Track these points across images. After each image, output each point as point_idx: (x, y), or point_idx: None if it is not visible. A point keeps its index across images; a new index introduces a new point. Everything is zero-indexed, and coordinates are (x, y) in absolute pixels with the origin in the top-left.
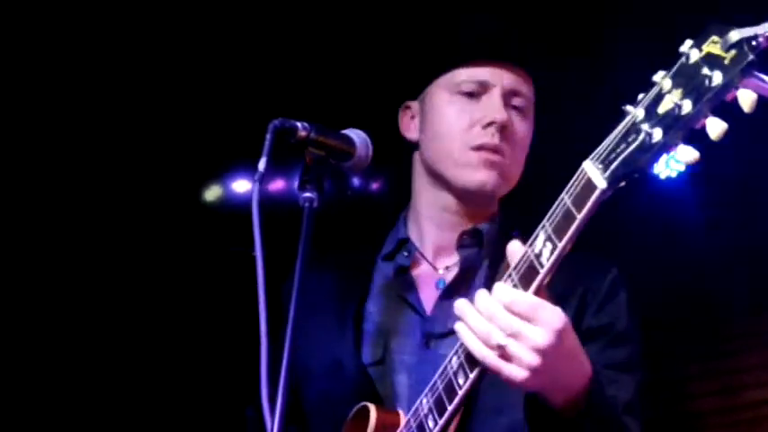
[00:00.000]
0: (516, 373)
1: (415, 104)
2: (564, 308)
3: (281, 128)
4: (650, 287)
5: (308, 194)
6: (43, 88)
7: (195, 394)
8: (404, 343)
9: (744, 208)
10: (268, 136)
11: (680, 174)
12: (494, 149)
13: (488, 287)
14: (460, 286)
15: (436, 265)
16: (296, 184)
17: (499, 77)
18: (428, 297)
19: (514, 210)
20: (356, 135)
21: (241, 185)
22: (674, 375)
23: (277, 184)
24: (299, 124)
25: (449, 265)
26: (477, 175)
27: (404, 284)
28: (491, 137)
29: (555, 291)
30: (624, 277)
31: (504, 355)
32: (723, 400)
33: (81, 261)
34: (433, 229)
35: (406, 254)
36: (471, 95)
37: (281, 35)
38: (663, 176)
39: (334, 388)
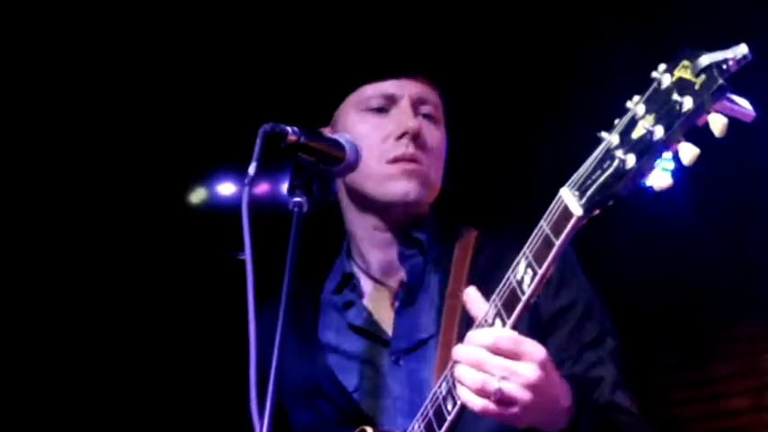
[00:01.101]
0: (514, 412)
1: (326, 130)
2: None
3: (272, 132)
4: (632, 294)
5: (297, 199)
6: (30, 96)
7: (180, 398)
8: (374, 367)
9: (725, 219)
10: (258, 140)
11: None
12: (410, 159)
13: (442, 293)
14: (414, 297)
15: (388, 284)
16: (285, 188)
17: (405, 88)
18: (385, 318)
19: (445, 208)
20: (345, 140)
21: (226, 188)
22: (656, 383)
23: (262, 188)
24: (289, 129)
25: (402, 280)
26: (398, 187)
27: (357, 316)
28: (406, 147)
29: (502, 272)
30: (571, 248)
31: (500, 399)
32: (705, 408)
33: (66, 264)
34: (372, 251)
35: (351, 288)
36: (380, 110)
37: (267, 39)
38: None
39: (321, 412)
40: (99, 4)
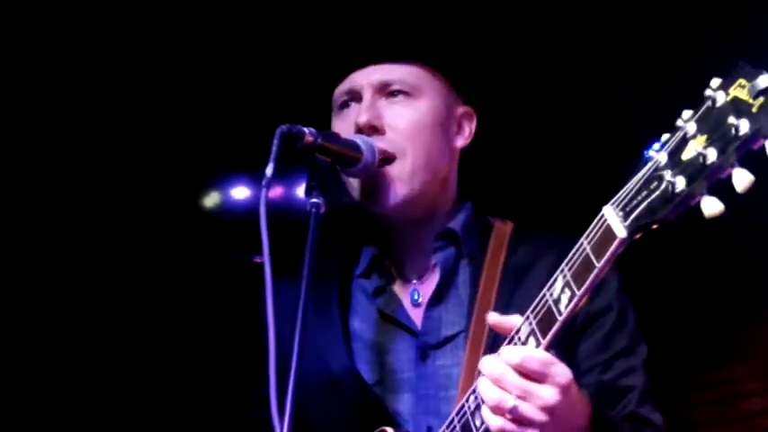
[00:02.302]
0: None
1: None
2: None
3: (289, 133)
4: (645, 296)
5: (314, 200)
6: (40, 93)
7: (193, 401)
8: (399, 360)
9: (740, 219)
10: (275, 141)
11: None
12: None
13: (474, 287)
14: (445, 292)
15: (409, 277)
16: (302, 189)
17: (364, 78)
18: (412, 310)
19: (481, 197)
20: (362, 141)
21: (240, 192)
22: (668, 385)
23: (276, 191)
24: (306, 130)
25: (423, 272)
26: (376, 199)
27: (387, 302)
28: None
29: (542, 278)
30: None
31: (516, 417)
32: (722, 410)
33: (78, 267)
34: (398, 240)
35: (381, 272)
36: (347, 106)
37: (278, 41)
38: None
39: (338, 407)
40: (114, 5)
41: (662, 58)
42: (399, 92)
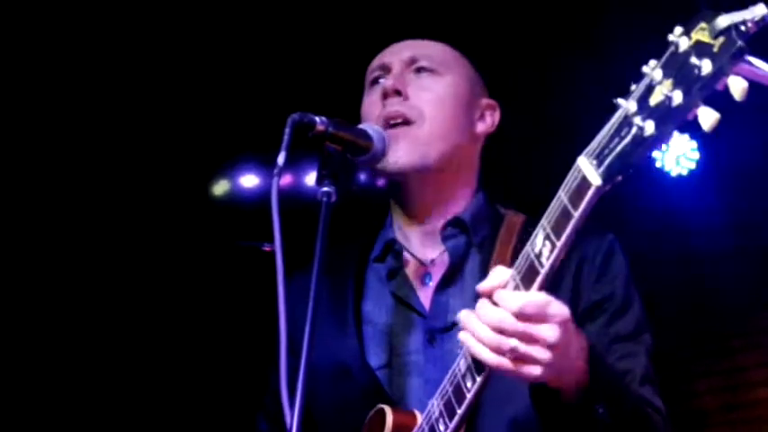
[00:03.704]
0: (532, 371)
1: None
2: (561, 279)
3: (300, 122)
4: (655, 284)
5: (325, 189)
6: (56, 84)
7: (202, 390)
8: (407, 343)
9: (747, 208)
10: (287, 130)
11: (691, 172)
12: (395, 116)
13: (483, 274)
14: (453, 278)
15: (422, 260)
16: (314, 177)
17: (395, 54)
18: (423, 294)
19: (496, 185)
20: (373, 130)
21: (249, 180)
22: (679, 373)
23: (286, 179)
24: (317, 119)
25: (434, 258)
26: (390, 156)
27: (399, 285)
28: (390, 105)
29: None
30: (619, 242)
31: (517, 356)
32: (728, 398)
33: (86, 257)
34: (409, 225)
35: (395, 255)
36: (378, 81)
37: (285, 32)
38: (674, 174)
39: (344, 393)
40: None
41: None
42: (426, 68)
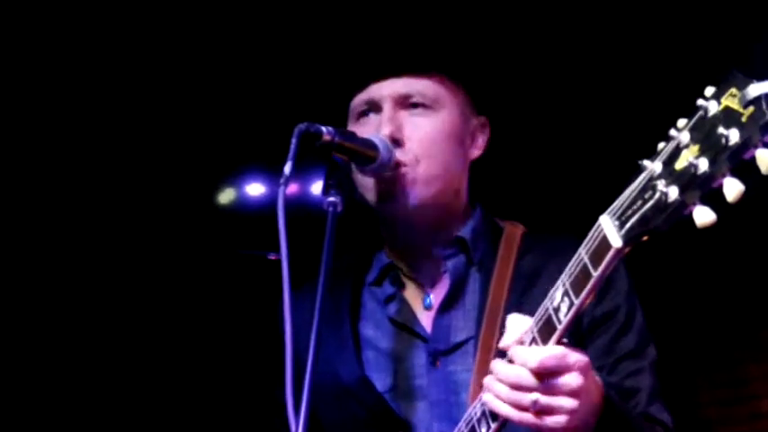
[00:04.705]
0: (559, 420)
1: None
2: None
3: (307, 132)
4: (659, 295)
5: (332, 199)
6: (62, 92)
7: (205, 398)
8: (410, 367)
9: (753, 218)
10: (293, 140)
11: None
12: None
13: (483, 293)
14: (455, 299)
15: (421, 283)
16: (320, 188)
17: (387, 89)
18: (423, 317)
19: (488, 203)
20: (379, 140)
21: (255, 188)
22: (680, 384)
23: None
24: (324, 129)
25: (434, 279)
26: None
27: (399, 310)
28: None
29: (550, 283)
30: None
31: (540, 409)
32: (734, 410)
33: (90, 263)
34: (409, 249)
35: (392, 280)
36: (365, 115)
37: (293, 41)
38: None
39: (350, 413)
40: (131, 6)
41: (665, 65)
42: (419, 105)
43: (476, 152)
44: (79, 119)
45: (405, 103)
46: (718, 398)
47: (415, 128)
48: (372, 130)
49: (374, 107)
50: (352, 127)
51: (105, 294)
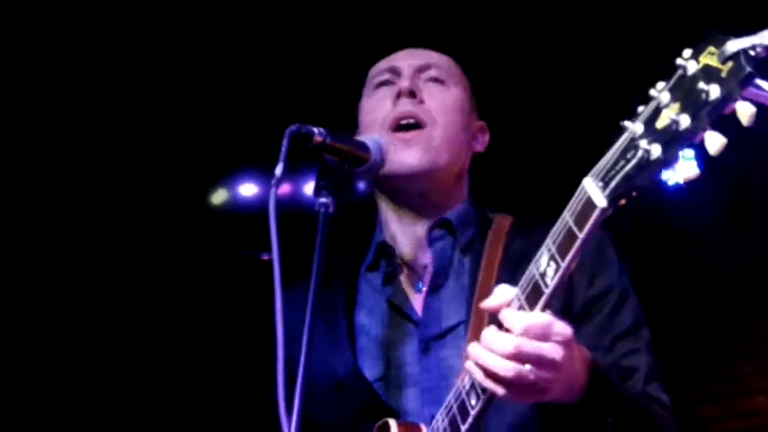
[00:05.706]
0: (540, 391)
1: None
2: None
3: (298, 133)
4: (654, 291)
5: (323, 200)
6: (59, 95)
7: (200, 398)
8: (402, 353)
9: (747, 217)
10: (285, 141)
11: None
12: (407, 116)
13: (473, 276)
14: (444, 281)
15: (414, 265)
16: (311, 188)
17: (406, 59)
18: (415, 300)
19: (480, 195)
20: (371, 141)
21: (247, 189)
22: (675, 381)
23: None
24: (315, 130)
25: (426, 263)
26: (401, 157)
27: (394, 293)
28: (402, 105)
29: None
30: (608, 234)
31: (524, 378)
32: (728, 406)
33: (86, 264)
34: (401, 230)
35: (388, 259)
36: (386, 83)
37: (286, 43)
38: (671, 183)
39: (342, 405)
40: (130, 7)
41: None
42: (437, 78)
43: (478, 147)
44: (74, 121)
45: (424, 73)
46: (713, 395)
47: (432, 93)
48: (389, 99)
49: (395, 74)
50: (367, 97)
51: (98, 295)
